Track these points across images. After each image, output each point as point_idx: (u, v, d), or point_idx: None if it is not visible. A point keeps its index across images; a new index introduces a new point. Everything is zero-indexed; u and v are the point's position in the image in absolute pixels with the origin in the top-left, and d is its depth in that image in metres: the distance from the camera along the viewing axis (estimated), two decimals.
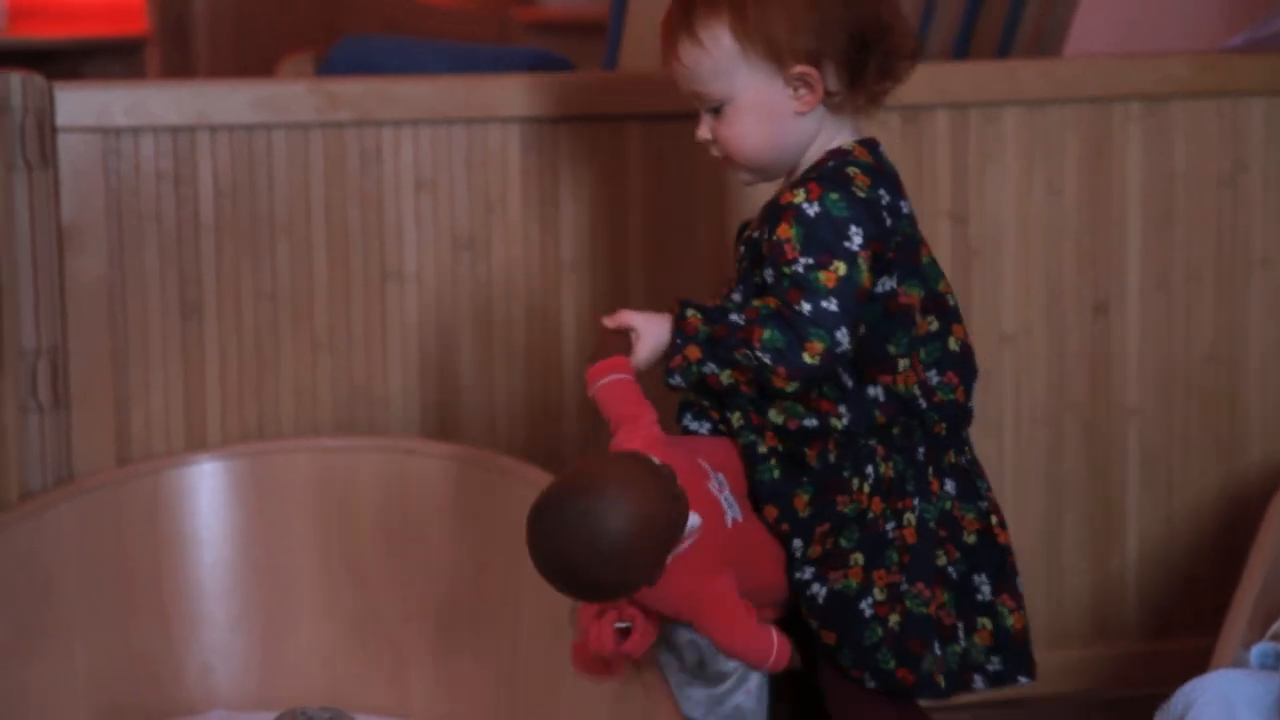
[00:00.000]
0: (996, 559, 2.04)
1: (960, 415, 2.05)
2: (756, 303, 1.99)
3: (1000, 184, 2.63)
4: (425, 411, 2.55)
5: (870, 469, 2.02)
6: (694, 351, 1.99)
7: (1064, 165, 2.65)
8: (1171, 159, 2.67)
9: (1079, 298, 2.67)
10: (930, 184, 2.62)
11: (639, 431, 1.95)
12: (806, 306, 1.96)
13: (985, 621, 2.04)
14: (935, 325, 2.02)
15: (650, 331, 2.02)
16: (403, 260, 2.52)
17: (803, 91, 2.01)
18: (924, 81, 2.55)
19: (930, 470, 2.04)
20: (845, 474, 2.02)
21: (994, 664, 2.04)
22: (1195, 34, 3.83)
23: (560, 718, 2.25)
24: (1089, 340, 2.68)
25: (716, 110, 2.04)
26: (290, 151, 2.48)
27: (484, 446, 2.53)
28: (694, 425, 2.07)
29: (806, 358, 1.96)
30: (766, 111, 2.02)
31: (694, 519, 1.91)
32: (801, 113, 2.02)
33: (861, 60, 2.01)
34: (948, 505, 2.04)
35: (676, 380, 2.01)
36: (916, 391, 2.02)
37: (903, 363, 2.01)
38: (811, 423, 2.03)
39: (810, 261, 1.96)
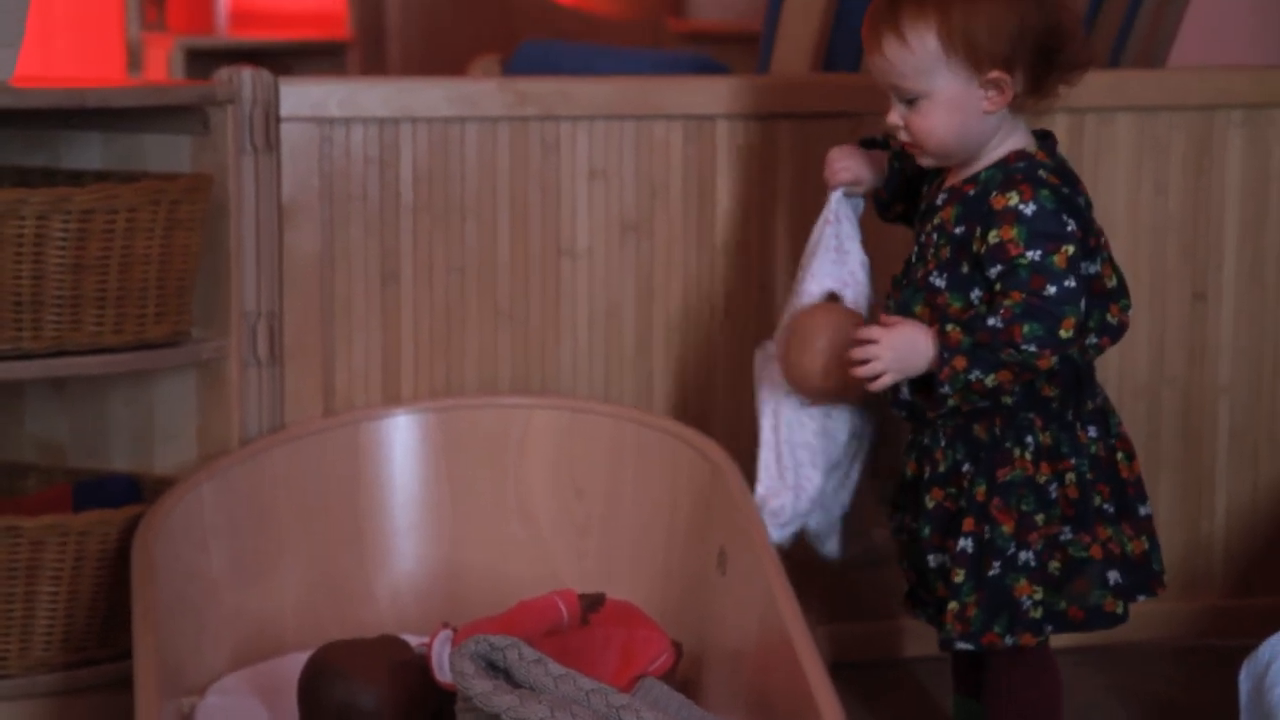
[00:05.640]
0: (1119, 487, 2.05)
1: (1085, 367, 2.05)
2: (1006, 302, 1.96)
3: (1112, 182, 2.61)
4: (592, 374, 2.56)
5: (1030, 439, 2.01)
6: (960, 361, 1.97)
7: (1170, 166, 2.63)
8: (1269, 162, 2.64)
9: (1180, 286, 2.65)
10: None
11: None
12: (1052, 289, 1.94)
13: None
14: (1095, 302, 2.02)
15: (899, 356, 2.00)
16: (576, 239, 2.53)
17: (993, 93, 1.99)
18: None
19: (1078, 425, 2.03)
20: (1007, 445, 2.01)
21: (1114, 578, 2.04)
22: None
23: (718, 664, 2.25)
24: (1187, 324, 2.65)
25: (911, 101, 2.01)
26: (480, 142, 2.49)
27: (643, 407, 2.54)
28: None
29: (1063, 333, 1.95)
30: (958, 108, 2.00)
31: (443, 633, 2.09)
32: (989, 112, 2.00)
33: (1046, 67, 2.00)
34: (1094, 449, 2.03)
35: (945, 389, 1.98)
36: (1076, 356, 2.01)
37: (1090, 336, 2.01)
38: (984, 403, 2.01)
39: (1041, 251, 1.95)
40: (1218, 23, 3.80)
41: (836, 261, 2.15)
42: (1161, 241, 2.63)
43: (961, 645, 2.05)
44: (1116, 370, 2.63)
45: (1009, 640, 2.03)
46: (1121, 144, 2.61)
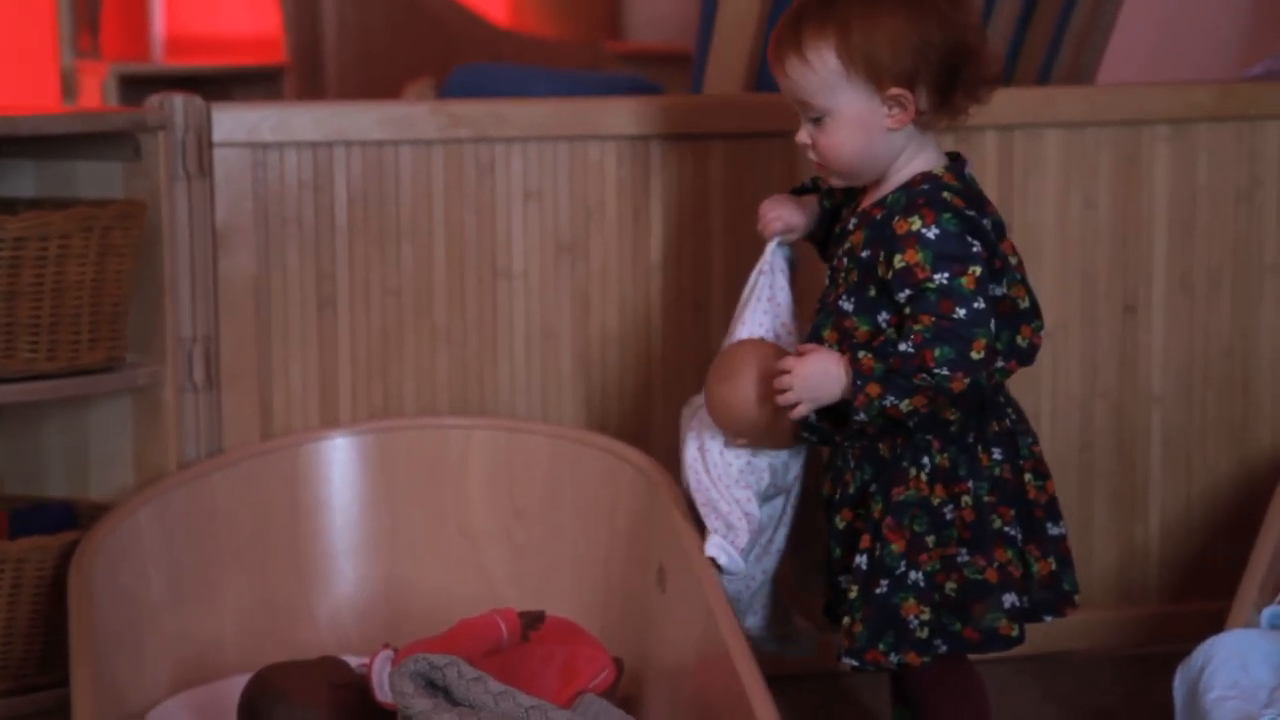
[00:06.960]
0: (1026, 510, 2.04)
1: (990, 390, 2.03)
2: (917, 327, 1.95)
3: (1041, 197, 2.62)
4: (529, 394, 2.56)
5: (926, 460, 2.01)
6: (874, 388, 1.96)
7: (1098, 181, 2.64)
8: (1195, 176, 2.66)
9: (1110, 298, 2.66)
10: None
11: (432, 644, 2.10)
12: (961, 311, 1.94)
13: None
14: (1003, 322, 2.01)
15: (813, 385, 2.00)
16: (511, 261, 2.53)
17: (895, 110, 2.00)
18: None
19: (979, 447, 2.03)
20: (904, 464, 2.02)
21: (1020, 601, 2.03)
22: (1212, 62, 3.81)
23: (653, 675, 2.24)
24: (1119, 336, 2.67)
25: (817, 120, 2.02)
26: (415, 164, 2.49)
27: (581, 426, 2.54)
28: None
29: (974, 355, 1.95)
30: (862, 125, 2.00)
31: (384, 653, 2.10)
32: (893, 129, 2.01)
33: (950, 83, 2.01)
34: (997, 471, 2.03)
35: (860, 416, 1.98)
36: (982, 379, 1.99)
37: (998, 359, 2.00)
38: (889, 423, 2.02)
39: (948, 273, 1.95)
40: (1144, 41, 3.84)
41: (769, 311, 2.16)
42: (1091, 255, 2.64)
43: (847, 660, 2.05)
44: (1050, 383, 2.64)
45: (894, 659, 2.03)
46: (1051, 160, 2.62)
